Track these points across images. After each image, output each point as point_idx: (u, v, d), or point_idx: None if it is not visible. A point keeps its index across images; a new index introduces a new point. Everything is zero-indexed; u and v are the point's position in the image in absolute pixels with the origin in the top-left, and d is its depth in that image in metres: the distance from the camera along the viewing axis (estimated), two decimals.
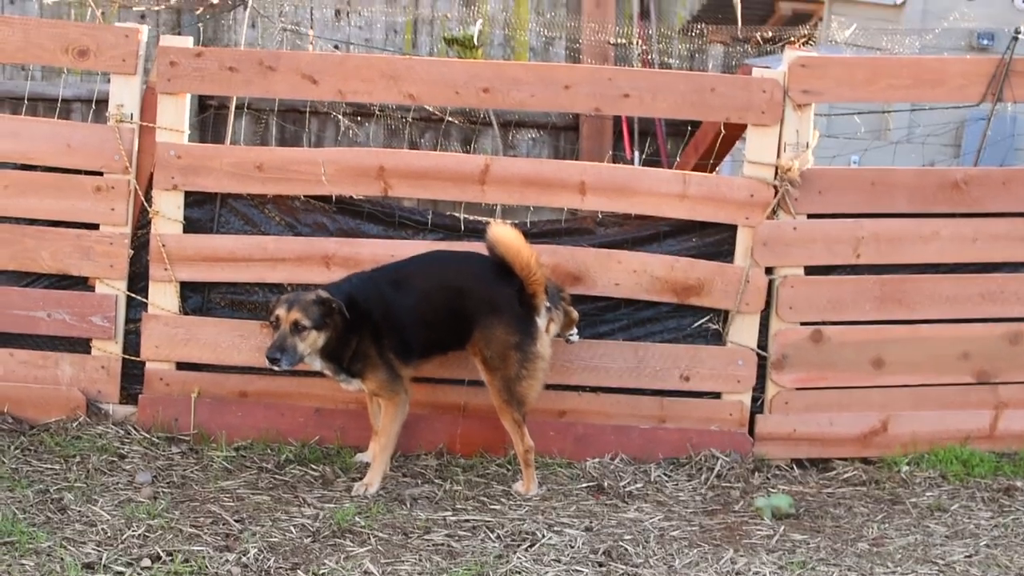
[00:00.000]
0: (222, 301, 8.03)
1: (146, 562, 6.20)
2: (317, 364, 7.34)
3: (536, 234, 8.02)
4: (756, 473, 7.86)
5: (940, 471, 7.98)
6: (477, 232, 7.92)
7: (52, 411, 7.91)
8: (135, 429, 7.86)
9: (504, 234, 7.26)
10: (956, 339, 8.23)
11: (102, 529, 6.57)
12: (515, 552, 6.58)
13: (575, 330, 7.77)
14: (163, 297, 7.93)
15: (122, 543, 6.41)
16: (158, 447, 7.71)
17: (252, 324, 7.90)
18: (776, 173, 7.92)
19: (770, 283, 8.01)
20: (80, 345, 8.00)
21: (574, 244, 8.05)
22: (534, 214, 8.32)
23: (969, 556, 6.89)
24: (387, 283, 7.43)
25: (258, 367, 7.87)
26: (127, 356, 7.98)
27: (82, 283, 7.99)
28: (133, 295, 7.96)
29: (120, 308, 7.96)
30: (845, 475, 7.95)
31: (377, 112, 12.50)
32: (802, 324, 8.07)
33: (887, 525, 7.24)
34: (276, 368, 7.15)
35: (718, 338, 8.07)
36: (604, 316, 8.07)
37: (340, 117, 12.49)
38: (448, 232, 8.08)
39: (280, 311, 7.12)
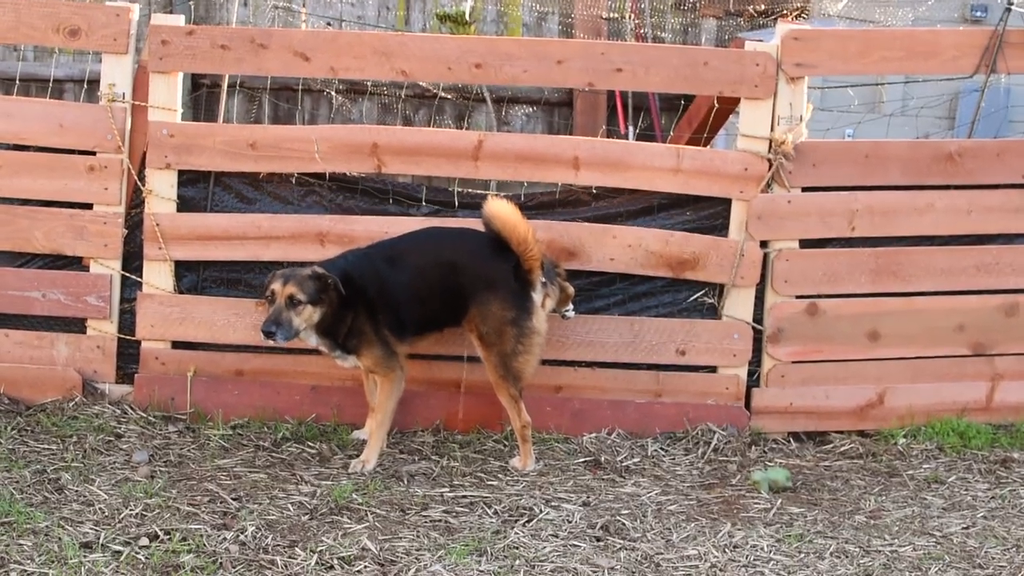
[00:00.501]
0: (217, 280, 8.02)
1: (144, 541, 6.19)
2: (312, 340, 7.32)
3: (531, 206, 8.02)
4: (753, 447, 7.87)
5: (937, 443, 7.99)
6: (471, 207, 7.92)
7: (48, 391, 7.91)
8: (131, 408, 7.87)
9: (501, 209, 7.25)
10: (951, 311, 8.24)
11: (99, 508, 6.56)
12: (513, 527, 6.58)
13: (571, 305, 7.76)
14: (158, 276, 7.92)
15: (120, 522, 6.40)
16: (155, 426, 7.71)
17: (247, 302, 7.90)
18: (770, 146, 7.92)
19: (765, 256, 8.01)
20: (75, 325, 8.00)
21: (568, 216, 8.05)
22: (528, 189, 8.32)
23: (966, 528, 6.89)
24: (382, 259, 7.41)
25: (254, 345, 7.88)
26: (122, 336, 7.97)
27: (76, 263, 7.98)
28: (128, 274, 7.95)
29: (115, 288, 7.95)
30: (842, 448, 7.96)
31: (371, 89, 12.48)
32: (797, 297, 8.07)
33: (884, 497, 7.25)
34: (271, 342, 7.13)
35: (713, 312, 8.07)
36: (599, 291, 8.06)
37: (333, 95, 12.46)
38: (442, 207, 8.08)
39: (275, 285, 7.10)
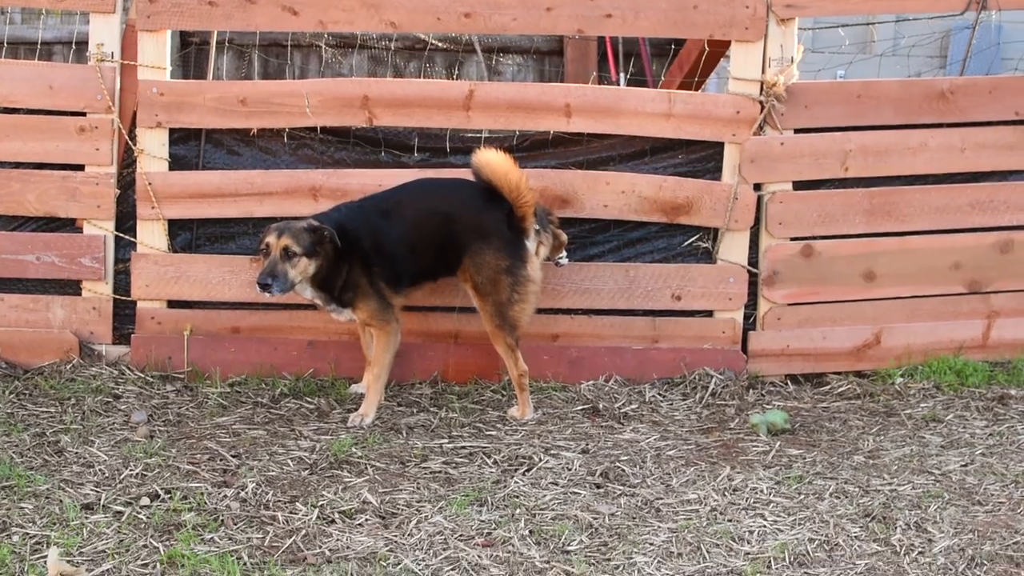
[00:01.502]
0: (211, 237, 8.02)
1: (145, 500, 6.20)
2: (308, 293, 7.35)
3: (524, 147, 8.01)
4: (750, 390, 7.89)
5: (934, 382, 8.01)
6: (464, 152, 7.92)
7: (45, 354, 7.91)
8: (129, 369, 7.87)
9: (491, 158, 7.25)
10: (947, 250, 8.24)
11: (100, 469, 6.57)
12: (512, 476, 6.60)
13: (564, 253, 7.76)
14: (151, 236, 7.91)
15: (120, 483, 6.41)
16: (152, 386, 7.72)
17: (242, 259, 7.89)
18: (761, 89, 7.90)
19: (759, 199, 8.01)
20: (70, 287, 7.99)
21: (561, 158, 8.04)
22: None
23: (965, 465, 6.92)
24: (376, 212, 7.41)
25: (250, 302, 7.89)
26: (118, 296, 7.97)
27: (70, 225, 7.96)
28: (121, 235, 7.94)
29: (109, 248, 7.94)
30: (839, 389, 7.98)
31: (360, 42, 12.41)
32: (792, 239, 8.07)
33: (882, 437, 7.26)
34: (267, 295, 7.21)
35: (708, 256, 8.07)
36: (594, 238, 8.06)
37: (323, 48, 12.41)
38: (435, 154, 8.08)
39: (270, 238, 7.11)
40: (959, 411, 7.65)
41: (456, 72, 12.19)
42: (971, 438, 7.28)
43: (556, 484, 6.52)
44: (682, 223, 8.02)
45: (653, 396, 7.76)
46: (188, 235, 8.00)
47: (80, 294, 7.98)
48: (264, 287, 7.06)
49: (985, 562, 5.92)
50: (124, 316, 7.99)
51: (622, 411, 7.55)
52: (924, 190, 8.16)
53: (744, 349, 8.10)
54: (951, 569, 5.87)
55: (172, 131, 7.91)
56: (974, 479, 6.73)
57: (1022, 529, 6.23)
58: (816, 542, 6.04)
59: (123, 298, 7.95)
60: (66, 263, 7.92)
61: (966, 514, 6.37)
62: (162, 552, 5.71)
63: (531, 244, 7.31)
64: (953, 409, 7.67)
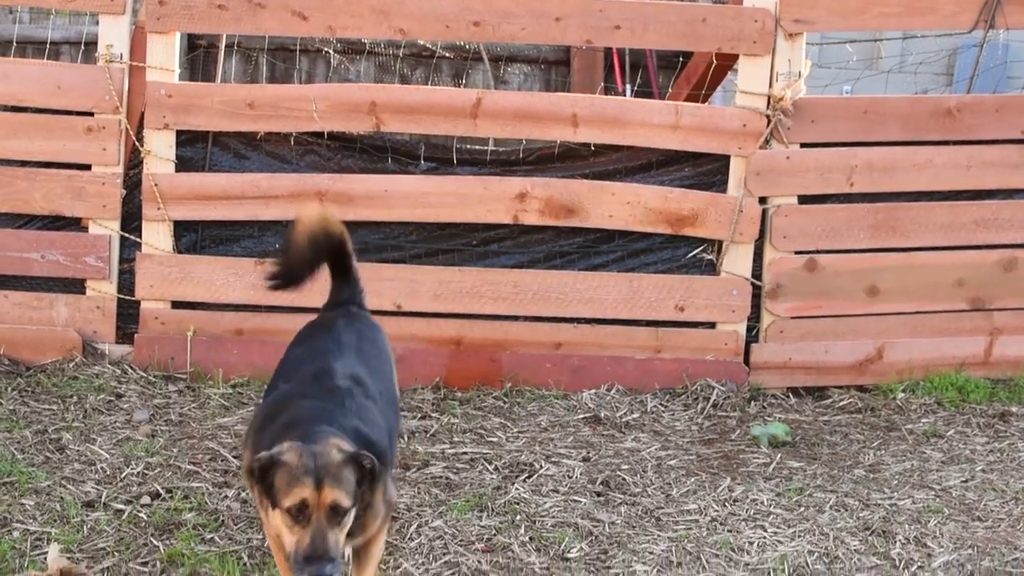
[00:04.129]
0: (216, 239, 8.03)
1: (146, 499, 6.21)
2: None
3: (530, 161, 8.04)
4: (752, 402, 7.90)
5: (936, 397, 8.02)
6: (471, 163, 7.95)
7: (48, 352, 7.91)
8: (131, 368, 7.88)
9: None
10: (950, 266, 8.24)
11: (101, 468, 6.58)
12: (513, 483, 6.60)
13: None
14: (156, 236, 7.92)
15: (121, 481, 6.42)
16: (155, 386, 7.72)
17: (246, 262, 7.90)
18: (768, 103, 7.91)
19: (764, 212, 8.02)
20: (75, 286, 8.00)
21: (566, 172, 8.06)
22: (526, 146, 8.32)
23: (965, 481, 6.92)
24: (357, 388, 5.19)
25: (253, 304, 7.90)
26: (122, 296, 7.97)
27: (75, 224, 7.97)
28: (126, 235, 7.95)
29: (114, 248, 7.95)
30: (841, 403, 7.98)
31: (368, 48, 12.43)
32: (796, 253, 8.08)
33: (883, 451, 7.27)
34: None
35: (712, 268, 8.08)
36: (598, 248, 8.08)
37: (331, 54, 12.43)
38: (441, 164, 8.09)
39: (307, 492, 4.53)
40: (960, 427, 7.65)
41: (463, 81, 12.21)
42: (972, 454, 7.29)
43: (557, 491, 6.53)
44: (687, 235, 8.03)
45: (655, 406, 7.76)
46: (193, 236, 8.01)
47: (84, 293, 7.98)
48: None
49: None
50: (127, 316, 8.00)
51: (624, 420, 7.56)
52: (929, 207, 8.17)
53: (746, 361, 8.10)
54: None
55: (179, 133, 7.92)
56: (974, 495, 6.74)
57: (1022, 546, 6.24)
58: (816, 554, 6.05)
59: (127, 298, 7.96)
60: (71, 262, 7.93)
61: (966, 529, 6.38)
62: (162, 550, 5.72)
63: None
64: (954, 425, 7.68)
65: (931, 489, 6.79)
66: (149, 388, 7.68)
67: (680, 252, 8.10)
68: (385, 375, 5.58)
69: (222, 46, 9.40)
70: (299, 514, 4.51)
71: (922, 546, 6.18)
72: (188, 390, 7.74)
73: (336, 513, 4.53)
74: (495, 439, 7.22)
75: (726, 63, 8.46)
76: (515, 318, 7.99)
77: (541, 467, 6.80)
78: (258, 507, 4.96)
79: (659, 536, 6.14)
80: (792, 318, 8.11)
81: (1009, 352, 8.34)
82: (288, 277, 5.85)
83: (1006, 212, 8.23)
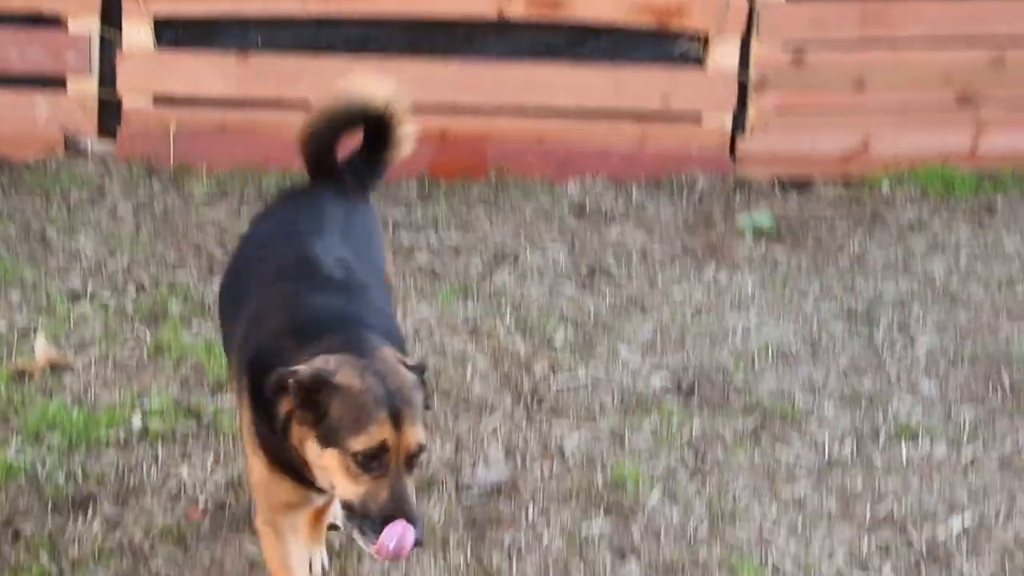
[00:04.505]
0: (198, 34, 7.92)
1: (132, 290, 6.23)
2: None
3: None
4: (737, 194, 7.87)
5: (921, 189, 8.00)
6: None
7: (31, 149, 7.83)
8: (114, 164, 7.81)
9: None
10: (939, 61, 8.19)
11: (86, 261, 6.57)
12: (498, 271, 6.62)
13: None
14: (137, 32, 7.81)
15: (107, 273, 6.43)
16: (138, 181, 7.65)
17: (228, 56, 7.80)
18: None
19: (751, 5, 7.92)
20: (56, 83, 7.90)
21: None
22: None
23: (949, 269, 6.96)
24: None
25: (236, 99, 7.82)
26: (103, 92, 7.89)
27: (55, 22, 7.85)
28: (107, 31, 7.83)
29: (94, 44, 7.83)
30: (826, 194, 7.96)
31: None
32: (783, 46, 8.00)
33: (868, 241, 7.29)
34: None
35: (699, 61, 8.00)
36: (584, 42, 7.98)
37: None
38: None
39: (385, 427, 3.49)
40: (945, 218, 7.66)
41: None
42: (956, 244, 7.31)
43: (542, 279, 6.55)
44: (673, 28, 7.94)
45: (640, 197, 7.73)
46: (174, 32, 7.90)
47: (65, 90, 7.90)
48: (419, 543, 3.55)
49: (966, 361, 6.00)
50: (109, 112, 7.91)
51: (609, 211, 7.54)
52: (919, 2, 8.09)
53: (732, 154, 8.07)
54: (932, 368, 5.95)
55: None
56: (958, 283, 6.78)
57: (1003, 331, 6.29)
58: (800, 339, 6.11)
59: (109, 94, 7.87)
60: (51, 59, 7.83)
61: (949, 315, 6.44)
62: (148, 340, 5.77)
63: None
64: (939, 216, 7.68)
65: (915, 277, 6.84)
66: (132, 183, 7.62)
67: (666, 47, 8.02)
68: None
69: None
70: (373, 460, 3.47)
71: (905, 331, 6.24)
72: (171, 185, 7.67)
73: (415, 457, 3.55)
74: (480, 229, 7.20)
75: None
76: (500, 111, 7.93)
77: (526, 256, 6.81)
78: (246, 435, 3.91)
79: (644, 321, 6.18)
80: (778, 110, 8.06)
81: (996, 146, 8.31)
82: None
83: (996, 10, 8.15)
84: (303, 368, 3.50)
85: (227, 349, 4.24)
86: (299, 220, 4.35)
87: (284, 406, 3.55)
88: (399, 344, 3.88)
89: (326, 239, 4.18)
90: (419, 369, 3.66)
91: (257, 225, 4.60)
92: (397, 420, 3.46)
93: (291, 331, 3.76)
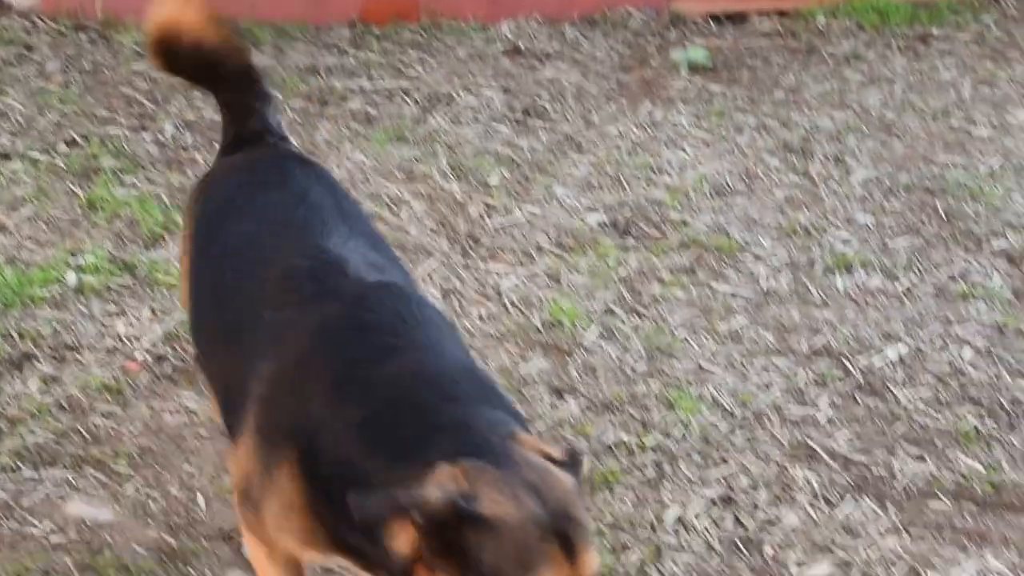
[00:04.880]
0: None
1: (62, 147, 6.15)
2: None
3: None
4: (672, 29, 7.82)
5: (856, 21, 7.98)
6: None
7: None
8: (41, 19, 7.66)
9: None
10: None
11: (15, 119, 6.46)
12: (432, 114, 6.58)
13: None
14: None
15: (37, 131, 6.33)
16: (66, 36, 7.52)
17: None
18: None
19: None
20: None
21: None
22: None
23: (885, 101, 6.98)
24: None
25: None
26: None
27: None
28: None
29: None
30: (761, 28, 7.93)
31: None
32: None
33: (803, 74, 7.28)
34: None
35: None
36: None
37: None
38: None
39: (559, 569, 2.47)
40: (880, 49, 7.65)
41: None
42: (892, 75, 7.31)
43: (477, 120, 6.51)
44: None
45: (574, 35, 7.67)
46: None
47: None
48: None
49: (901, 192, 6.02)
50: None
51: (543, 50, 7.47)
52: None
53: None
54: (868, 198, 5.96)
55: None
56: (893, 114, 6.79)
57: (938, 161, 6.32)
58: (736, 174, 6.11)
59: None
60: None
61: (884, 147, 6.45)
62: (81, 196, 5.71)
63: None
64: (875, 47, 7.67)
65: (851, 109, 6.84)
66: (60, 38, 7.50)
67: None
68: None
69: None
70: None
71: (841, 163, 6.26)
72: (100, 38, 7.54)
73: None
74: (413, 72, 7.13)
75: None
76: None
77: (460, 98, 6.76)
78: (281, 520, 2.92)
79: (579, 160, 6.16)
80: None
81: None
82: None
83: None
84: (432, 493, 2.45)
85: (214, 386, 3.39)
86: (283, 204, 3.34)
87: (404, 543, 2.49)
88: (507, 405, 2.83)
89: (334, 230, 3.20)
90: (574, 465, 2.62)
91: (221, 212, 3.48)
92: (571, 552, 2.47)
93: (361, 410, 2.73)
